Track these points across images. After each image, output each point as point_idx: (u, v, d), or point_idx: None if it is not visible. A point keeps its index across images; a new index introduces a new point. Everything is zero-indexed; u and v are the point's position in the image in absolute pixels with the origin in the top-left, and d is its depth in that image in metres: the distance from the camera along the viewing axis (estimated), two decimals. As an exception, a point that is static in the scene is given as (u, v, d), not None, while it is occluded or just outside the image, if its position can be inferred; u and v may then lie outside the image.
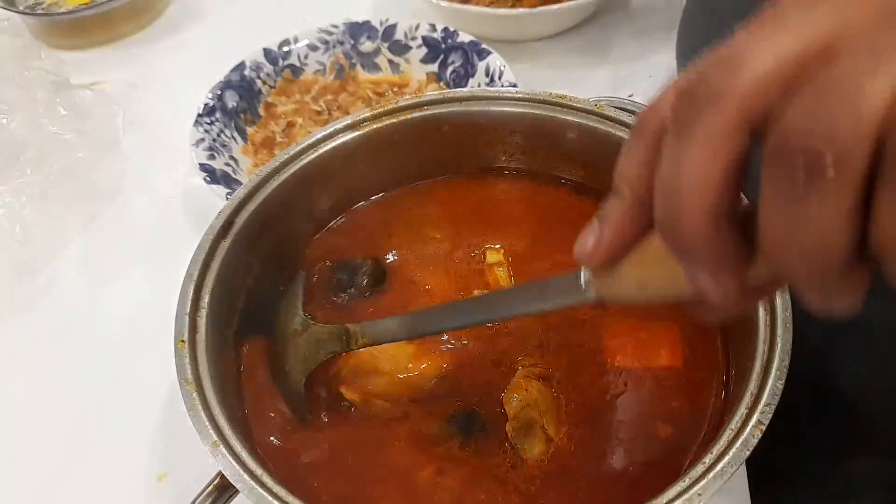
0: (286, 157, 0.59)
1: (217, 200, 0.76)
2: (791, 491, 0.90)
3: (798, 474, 0.88)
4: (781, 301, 0.45)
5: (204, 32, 1.14)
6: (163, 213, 0.87)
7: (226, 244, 0.53)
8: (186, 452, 0.57)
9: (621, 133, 0.58)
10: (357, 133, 0.61)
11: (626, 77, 0.96)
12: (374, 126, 0.61)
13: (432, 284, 0.59)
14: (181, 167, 0.92)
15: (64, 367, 0.74)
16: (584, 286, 0.37)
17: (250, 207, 0.56)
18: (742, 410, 0.41)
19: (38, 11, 1.09)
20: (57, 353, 0.75)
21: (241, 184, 0.79)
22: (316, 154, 0.60)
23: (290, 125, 0.89)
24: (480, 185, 0.66)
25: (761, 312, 0.45)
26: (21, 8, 1.09)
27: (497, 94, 0.62)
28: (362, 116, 0.61)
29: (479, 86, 0.86)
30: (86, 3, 1.09)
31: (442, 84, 0.91)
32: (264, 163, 0.85)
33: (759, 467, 0.83)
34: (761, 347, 0.44)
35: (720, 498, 0.57)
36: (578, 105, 0.60)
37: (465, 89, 0.63)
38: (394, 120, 0.62)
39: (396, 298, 0.58)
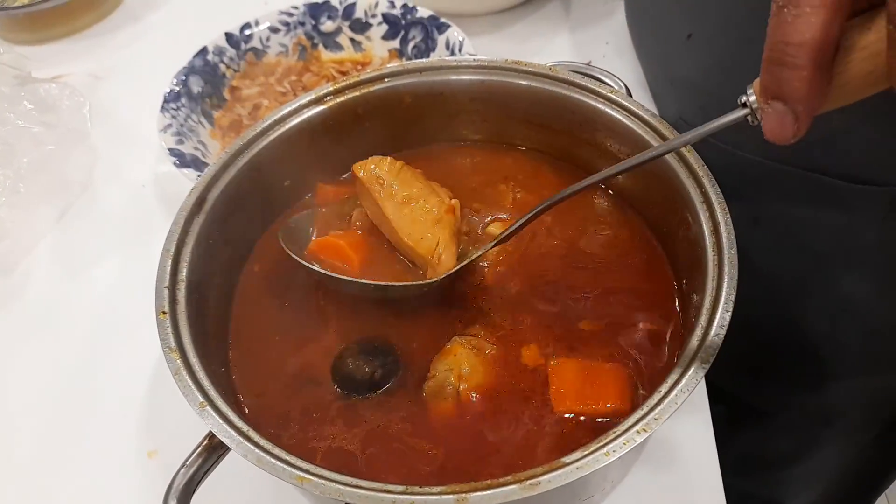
0: (254, 133, 0.60)
1: (188, 185, 0.77)
2: (769, 427, 0.95)
3: (776, 410, 0.93)
4: (727, 241, 0.48)
5: (163, 20, 1.14)
6: (134, 202, 0.88)
7: (200, 220, 0.55)
8: (174, 429, 0.59)
9: (578, 95, 0.61)
10: (322, 107, 0.63)
11: (584, 44, 0.99)
12: (338, 100, 0.63)
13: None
14: (150, 155, 0.92)
15: (48, 358, 0.75)
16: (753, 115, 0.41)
17: (221, 184, 0.58)
18: (694, 343, 0.44)
19: (-6, 7, 1.08)
20: (39, 345, 0.76)
21: (211, 167, 0.80)
22: (283, 129, 0.62)
23: (256, 108, 0.90)
24: (448, 155, 0.68)
25: (709, 253, 0.49)
26: (-24, 4, 1.08)
27: (455, 63, 0.64)
28: (325, 91, 0.63)
29: (440, 59, 0.88)
30: (42, -3, 1.09)
31: (404, 60, 0.93)
32: (233, 146, 0.86)
33: (737, 404, 0.87)
34: (710, 285, 0.47)
35: (689, 429, 0.61)
36: (533, 69, 0.62)
37: (423, 60, 0.65)
38: (356, 93, 0.64)
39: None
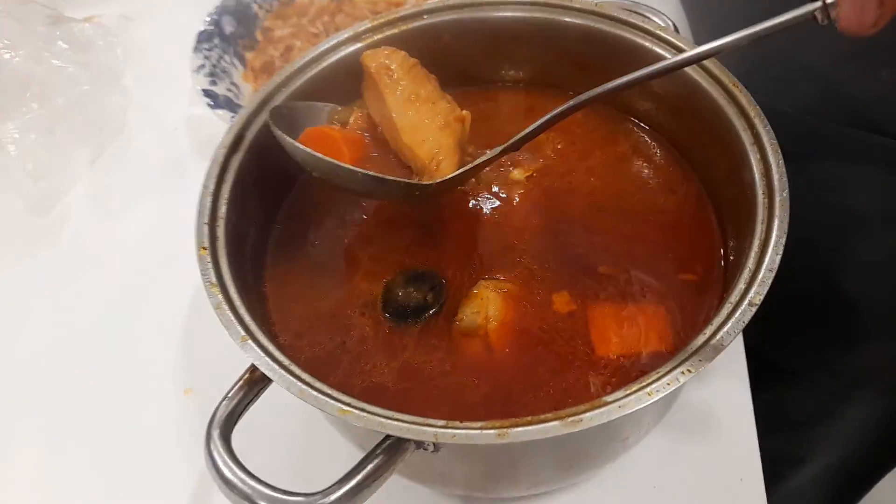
0: (291, 70, 0.59)
1: (220, 127, 0.77)
2: (797, 386, 0.94)
3: (805, 369, 0.92)
4: (779, 184, 0.47)
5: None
6: (168, 144, 0.88)
7: (238, 158, 0.55)
8: (209, 368, 0.59)
9: (624, 33, 0.59)
10: (359, 45, 0.61)
11: (624, -13, 0.95)
12: (376, 37, 0.62)
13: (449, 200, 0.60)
14: (182, 97, 0.92)
15: (83, 299, 0.76)
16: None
17: (259, 122, 0.57)
18: (741, 285, 0.43)
19: (25, -54, 1.07)
20: (75, 285, 0.77)
21: (244, 109, 0.80)
22: (319, 67, 0.60)
23: (289, 49, 0.89)
24: (487, 96, 0.66)
25: (759, 195, 0.47)
26: (6, -57, 1.07)
27: (497, 0, 0.62)
28: (364, 28, 0.62)
29: (476, 1, 0.86)
30: (72, -64, 1.07)
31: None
32: (266, 88, 0.85)
33: (764, 363, 0.87)
34: (759, 228, 0.46)
35: (722, 381, 0.61)
36: (579, 6, 0.60)
37: (464, -2, 0.63)
38: (395, 30, 0.62)
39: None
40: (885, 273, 0.76)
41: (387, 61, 0.55)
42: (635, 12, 0.61)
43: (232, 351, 0.45)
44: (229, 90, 0.81)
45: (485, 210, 0.60)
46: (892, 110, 0.62)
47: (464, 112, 0.55)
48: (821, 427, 0.96)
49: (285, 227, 0.59)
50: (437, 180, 0.52)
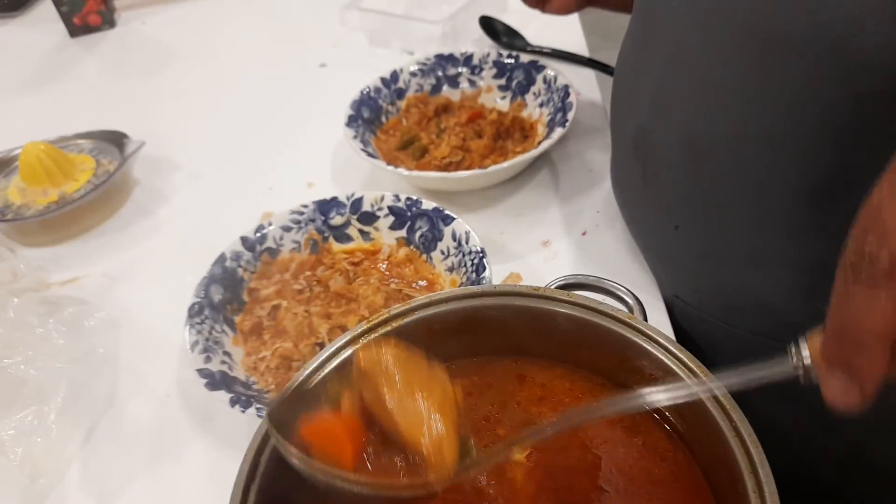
0: (295, 384, 0.63)
1: (215, 402, 0.79)
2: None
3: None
4: (767, 481, 0.51)
5: (170, 213, 1.19)
6: (160, 414, 0.89)
7: (255, 487, 0.57)
8: None
9: (598, 320, 0.65)
10: (356, 347, 0.66)
11: (576, 214, 1.05)
12: (370, 337, 0.67)
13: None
14: (172, 361, 0.94)
15: None
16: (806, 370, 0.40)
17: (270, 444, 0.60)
18: None
19: (9, 216, 1.12)
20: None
21: (239, 382, 0.83)
22: (321, 375, 0.64)
23: (275, 309, 0.93)
24: (479, 369, 0.71)
25: (750, 493, 0.52)
26: (-10, 214, 1.12)
27: (478, 292, 0.68)
28: (359, 330, 0.67)
29: (447, 248, 0.93)
30: (55, 202, 1.13)
31: (412, 248, 0.98)
32: (256, 351, 0.89)
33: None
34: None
35: None
36: (549, 294, 0.67)
37: (448, 291, 0.69)
38: (389, 328, 0.67)
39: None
40: (855, 461, 0.82)
41: (382, 358, 0.58)
42: (602, 289, 0.68)
43: None
44: (223, 362, 0.84)
45: (491, 492, 0.63)
46: None
47: (457, 393, 0.58)
48: None
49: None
50: (444, 480, 0.55)
